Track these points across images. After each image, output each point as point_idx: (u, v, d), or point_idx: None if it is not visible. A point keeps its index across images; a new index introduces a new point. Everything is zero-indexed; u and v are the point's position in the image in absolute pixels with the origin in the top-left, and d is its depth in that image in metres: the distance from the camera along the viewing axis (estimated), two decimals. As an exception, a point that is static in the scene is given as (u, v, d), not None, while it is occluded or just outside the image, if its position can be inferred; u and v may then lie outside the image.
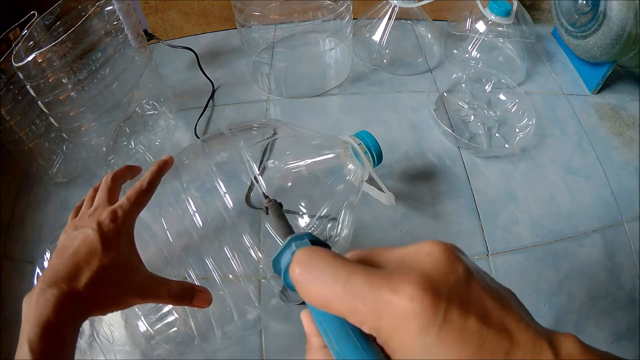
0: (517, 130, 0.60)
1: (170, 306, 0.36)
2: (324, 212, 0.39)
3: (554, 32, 0.75)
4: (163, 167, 0.34)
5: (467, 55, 0.66)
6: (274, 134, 0.42)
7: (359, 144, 0.43)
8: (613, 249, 0.52)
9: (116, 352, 0.36)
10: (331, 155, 0.41)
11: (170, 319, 0.37)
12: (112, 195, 0.32)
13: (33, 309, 0.25)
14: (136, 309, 0.36)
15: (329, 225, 0.39)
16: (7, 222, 0.58)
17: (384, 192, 0.43)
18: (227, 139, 0.40)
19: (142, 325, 0.36)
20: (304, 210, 0.39)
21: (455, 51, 0.68)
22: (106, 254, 0.27)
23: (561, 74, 0.70)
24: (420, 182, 0.55)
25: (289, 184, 0.39)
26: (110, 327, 0.37)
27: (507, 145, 0.58)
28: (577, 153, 0.60)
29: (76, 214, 0.33)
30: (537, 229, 0.52)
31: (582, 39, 0.64)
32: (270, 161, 0.40)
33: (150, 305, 0.36)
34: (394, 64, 0.66)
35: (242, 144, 0.39)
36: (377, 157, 0.44)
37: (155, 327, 0.37)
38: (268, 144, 0.41)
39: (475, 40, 0.65)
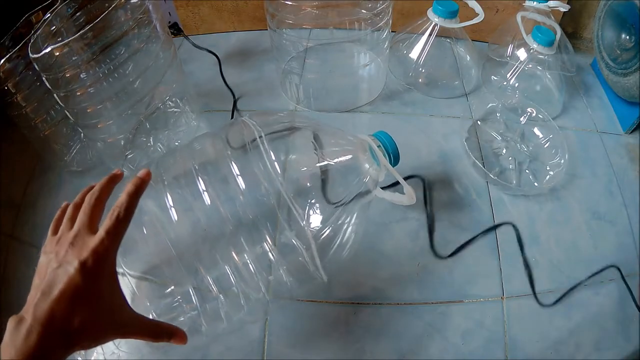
0: (547, 168, 0.58)
1: (178, 297, 0.37)
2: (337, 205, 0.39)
3: (594, 63, 0.73)
4: (140, 186, 0.32)
5: (505, 83, 0.64)
6: (295, 128, 0.42)
7: (378, 146, 0.42)
8: (627, 300, 0.52)
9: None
10: (349, 155, 0.41)
11: (179, 310, 0.37)
12: (94, 219, 0.31)
13: (21, 338, 0.26)
14: (147, 302, 0.37)
15: (339, 222, 0.39)
16: (18, 203, 0.57)
17: (402, 193, 0.42)
18: (248, 129, 0.39)
19: (151, 315, 0.37)
20: (317, 206, 0.39)
21: (493, 77, 0.66)
22: (92, 299, 0.28)
23: (597, 109, 0.68)
24: (444, 215, 0.54)
25: (307, 182, 0.39)
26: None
27: (536, 184, 0.57)
28: (604, 196, 0.58)
29: (56, 229, 0.32)
30: (555, 274, 0.51)
31: (622, 76, 0.62)
32: (291, 156, 0.40)
33: (161, 293, 0.37)
34: (429, 84, 0.64)
35: (263, 137, 0.38)
36: (394, 158, 0.43)
37: (164, 316, 0.37)
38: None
39: (515, 69, 0.63)
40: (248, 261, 0.37)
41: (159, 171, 0.39)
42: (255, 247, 0.37)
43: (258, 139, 0.37)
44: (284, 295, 0.42)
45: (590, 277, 0.51)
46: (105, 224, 0.30)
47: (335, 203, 0.39)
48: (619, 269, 0.51)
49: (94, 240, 0.29)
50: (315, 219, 0.38)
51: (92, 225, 0.31)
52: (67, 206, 0.33)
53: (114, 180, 0.34)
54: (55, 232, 0.32)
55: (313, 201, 0.38)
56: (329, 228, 0.38)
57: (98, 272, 0.28)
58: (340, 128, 0.44)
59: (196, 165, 0.38)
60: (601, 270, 0.51)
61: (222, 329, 0.39)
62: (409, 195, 0.42)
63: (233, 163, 0.37)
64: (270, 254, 0.37)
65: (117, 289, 0.30)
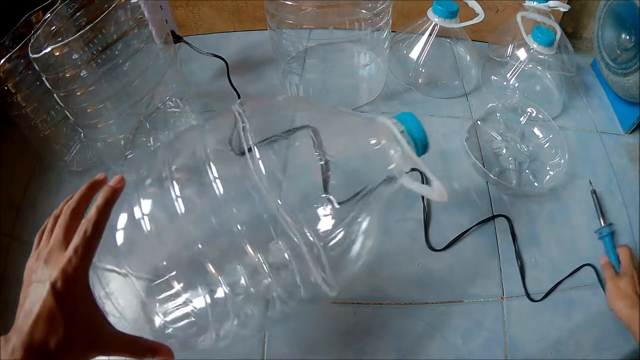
0: (547, 168, 0.58)
1: (184, 298, 0.35)
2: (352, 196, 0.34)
3: (594, 63, 0.73)
4: (111, 198, 0.31)
5: (505, 83, 0.64)
6: (301, 127, 0.37)
7: (401, 131, 0.35)
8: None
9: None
10: (372, 140, 0.35)
11: (187, 309, 0.36)
12: (69, 234, 0.30)
13: (8, 357, 0.26)
14: (156, 307, 0.35)
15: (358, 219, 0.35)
16: (17, 203, 0.57)
17: (431, 185, 0.34)
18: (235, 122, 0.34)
19: (158, 319, 0.35)
20: (333, 200, 0.34)
21: (493, 77, 0.66)
22: (67, 320, 0.27)
23: (597, 109, 0.68)
24: (444, 215, 0.54)
25: (313, 180, 0.35)
26: (121, 319, 0.36)
27: (536, 184, 0.57)
28: (604, 196, 0.58)
29: (39, 241, 0.32)
30: (555, 274, 0.51)
31: (622, 76, 0.62)
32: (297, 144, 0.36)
33: (166, 294, 0.36)
34: (429, 84, 0.64)
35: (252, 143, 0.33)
36: (422, 146, 0.36)
37: (171, 319, 0.36)
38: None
39: (515, 69, 0.63)
40: (261, 262, 0.35)
41: (165, 159, 0.35)
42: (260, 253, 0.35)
43: (247, 151, 0.33)
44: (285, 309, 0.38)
45: (568, 275, 0.51)
46: (73, 242, 0.29)
47: (349, 200, 0.34)
48: (594, 268, 0.52)
49: (62, 259, 0.28)
50: (326, 222, 0.34)
51: (66, 241, 0.29)
52: (55, 216, 0.32)
53: (94, 188, 0.33)
54: (39, 244, 0.31)
55: (324, 196, 0.34)
56: (341, 230, 0.34)
57: (69, 292, 0.27)
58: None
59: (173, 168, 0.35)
60: (578, 269, 0.52)
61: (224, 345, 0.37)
62: (438, 191, 0.34)
63: (213, 166, 0.34)
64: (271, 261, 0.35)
65: (93, 307, 0.29)
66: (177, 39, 0.61)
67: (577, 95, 0.70)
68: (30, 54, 0.41)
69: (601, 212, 0.56)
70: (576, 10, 0.72)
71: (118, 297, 0.34)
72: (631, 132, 0.65)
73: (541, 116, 0.61)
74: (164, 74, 0.52)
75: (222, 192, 0.33)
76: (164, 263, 0.35)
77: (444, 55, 0.67)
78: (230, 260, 0.35)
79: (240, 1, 0.66)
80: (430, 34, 0.62)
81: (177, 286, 0.35)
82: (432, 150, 0.58)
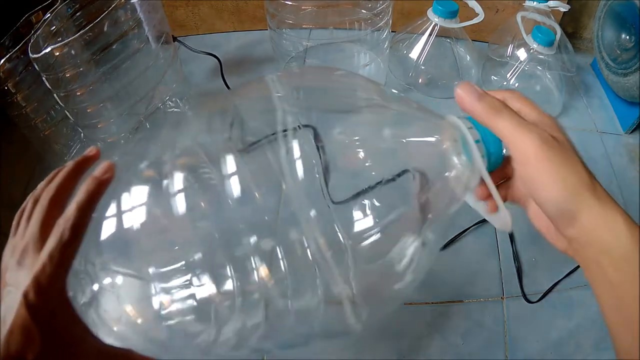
0: (547, 168, 0.58)
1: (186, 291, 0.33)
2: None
3: (594, 63, 0.73)
4: (95, 193, 0.25)
5: (505, 83, 0.64)
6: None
7: (475, 140, 0.27)
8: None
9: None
10: (432, 139, 0.28)
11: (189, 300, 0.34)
12: (46, 229, 0.25)
13: None
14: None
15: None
16: (17, 203, 0.57)
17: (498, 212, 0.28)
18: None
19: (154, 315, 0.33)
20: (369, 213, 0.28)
21: (493, 77, 0.66)
22: (43, 334, 0.24)
23: (597, 109, 0.68)
24: (444, 214, 0.54)
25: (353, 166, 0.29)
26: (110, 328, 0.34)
27: (536, 185, 0.57)
28: (604, 197, 0.58)
29: (17, 226, 0.28)
30: (555, 274, 0.51)
31: (622, 76, 0.62)
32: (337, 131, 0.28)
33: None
34: (429, 84, 0.64)
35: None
36: (495, 162, 0.28)
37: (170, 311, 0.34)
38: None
39: (515, 69, 0.63)
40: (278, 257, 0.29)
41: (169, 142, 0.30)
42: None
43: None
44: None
45: (565, 276, 0.51)
46: (48, 246, 0.24)
47: (395, 208, 0.28)
48: None
49: (35, 266, 0.24)
50: (361, 221, 0.27)
51: (42, 237, 0.25)
52: (35, 199, 0.27)
53: (81, 169, 0.27)
54: (16, 231, 0.27)
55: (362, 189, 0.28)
56: (378, 230, 0.27)
57: (43, 304, 0.24)
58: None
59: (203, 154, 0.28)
60: (574, 270, 0.52)
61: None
62: (503, 221, 0.29)
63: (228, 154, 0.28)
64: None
65: (74, 320, 0.26)
66: (172, 39, 0.61)
67: (577, 95, 0.70)
68: (30, 54, 0.42)
69: None
70: (576, 10, 0.72)
71: (110, 302, 0.32)
72: (631, 132, 0.65)
73: (541, 116, 0.61)
74: (164, 73, 0.53)
75: (233, 188, 0.27)
76: (164, 257, 0.31)
77: (444, 55, 0.67)
78: (240, 256, 0.28)
79: (240, 1, 0.66)
80: (430, 34, 0.62)
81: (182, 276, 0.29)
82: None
